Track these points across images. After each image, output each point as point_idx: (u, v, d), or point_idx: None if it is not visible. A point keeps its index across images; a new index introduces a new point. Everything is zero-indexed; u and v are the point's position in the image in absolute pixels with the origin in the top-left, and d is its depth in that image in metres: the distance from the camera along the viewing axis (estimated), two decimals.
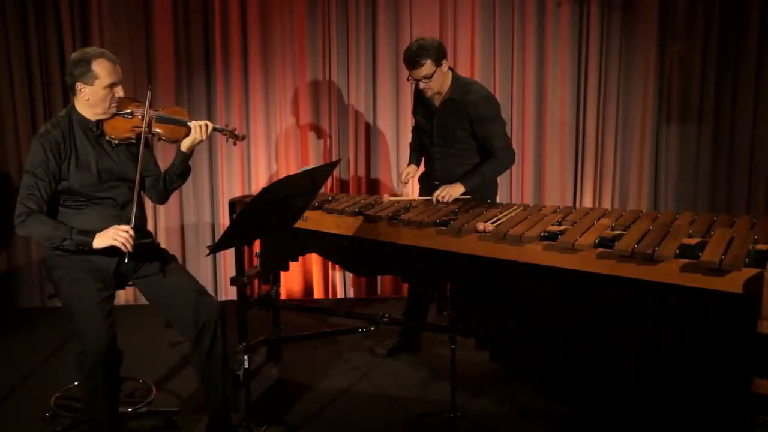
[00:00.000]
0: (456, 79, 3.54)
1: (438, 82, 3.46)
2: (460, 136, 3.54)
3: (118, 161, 2.89)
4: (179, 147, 2.95)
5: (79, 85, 2.78)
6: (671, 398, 2.51)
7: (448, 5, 4.60)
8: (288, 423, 3.17)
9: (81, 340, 2.65)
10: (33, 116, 4.56)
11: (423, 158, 3.81)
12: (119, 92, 2.83)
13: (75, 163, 2.79)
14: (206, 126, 2.94)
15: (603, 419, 2.70)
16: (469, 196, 3.45)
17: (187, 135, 2.93)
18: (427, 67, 3.40)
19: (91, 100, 2.80)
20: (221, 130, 3.11)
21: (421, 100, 3.65)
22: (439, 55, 3.41)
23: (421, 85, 3.47)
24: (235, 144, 3.20)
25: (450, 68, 3.53)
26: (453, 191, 3.43)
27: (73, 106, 2.85)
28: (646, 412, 2.57)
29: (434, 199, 3.42)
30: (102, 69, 2.76)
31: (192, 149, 2.96)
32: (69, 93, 2.87)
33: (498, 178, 3.70)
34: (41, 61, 4.51)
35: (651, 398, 2.55)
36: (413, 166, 3.78)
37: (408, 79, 3.53)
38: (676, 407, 2.50)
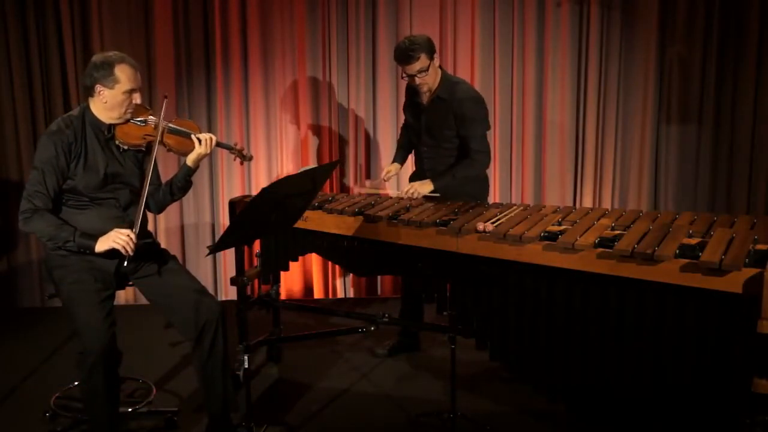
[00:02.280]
0: (445, 77, 3.55)
1: (432, 76, 3.47)
2: (448, 135, 3.54)
3: (125, 166, 2.90)
4: (184, 160, 2.96)
5: (98, 87, 2.79)
6: (671, 398, 2.51)
7: (448, 5, 4.60)
8: (288, 423, 3.17)
9: (81, 340, 2.65)
10: (33, 117, 4.57)
11: (408, 156, 3.82)
12: (137, 99, 2.84)
13: (83, 164, 2.79)
14: (210, 140, 2.95)
15: (603, 419, 2.70)
16: (437, 195, 3.45)
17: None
18: (422, 60, 3.41)
19: (108, 103, 2.80)
20: (229, 148, 3.12)
21: (411, 98, 3.65)
22: (430, 48, 3.44)
23: (417, 80, 3.46)
24: (242, 164, 3.20)
25: (440, 66, 3.54)
26: (421, 188, 3.45)
27: (88, 107, 2.85)
28: (646, 412, 2.57)
29: (403, 194, 3.43)
30: (123, 74, 2.78)
31: (197, 164, 2.97)
32: (84, 94, 2.88)
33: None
34: (41, 61, 4.52)
35: (651, 398, 2.55)
36: (396, 165, 3.78)
37: (402, 77, 3.53)
38: (676, 407, 2.50)
